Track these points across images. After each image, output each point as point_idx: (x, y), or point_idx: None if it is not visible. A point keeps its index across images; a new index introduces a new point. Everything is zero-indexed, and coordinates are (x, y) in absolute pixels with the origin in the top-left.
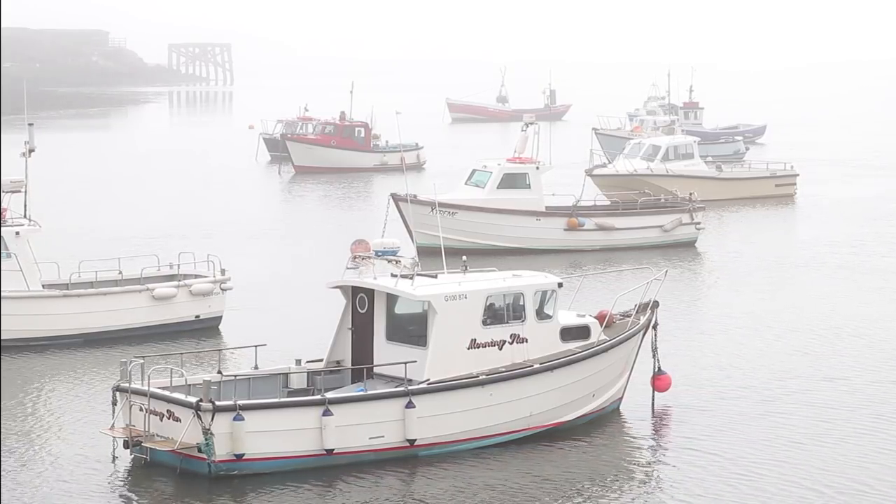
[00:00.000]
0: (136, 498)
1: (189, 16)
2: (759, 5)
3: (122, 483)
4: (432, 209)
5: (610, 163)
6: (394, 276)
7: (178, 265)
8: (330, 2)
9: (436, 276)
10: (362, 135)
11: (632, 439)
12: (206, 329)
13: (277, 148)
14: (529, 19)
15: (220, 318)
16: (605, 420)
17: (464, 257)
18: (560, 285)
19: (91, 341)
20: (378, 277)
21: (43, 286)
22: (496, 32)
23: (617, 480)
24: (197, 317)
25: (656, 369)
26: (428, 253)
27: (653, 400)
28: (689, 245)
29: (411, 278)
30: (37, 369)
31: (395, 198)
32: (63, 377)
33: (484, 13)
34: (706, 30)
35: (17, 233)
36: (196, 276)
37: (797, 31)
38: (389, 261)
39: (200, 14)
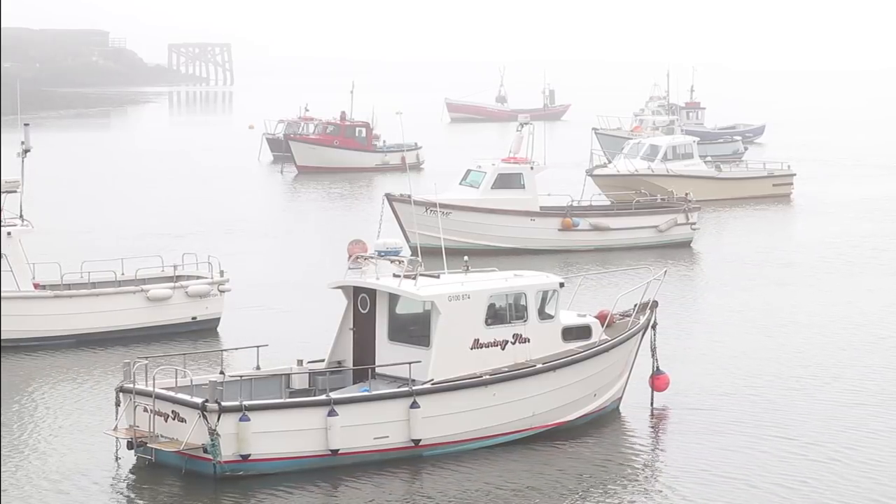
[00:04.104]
0: (141, 499)
1: (187, 17)
2: (761, 7)
3: (126, 484)
4: (426, 209)
5: (610, 162)
6: (396, 276)
7: (182, 266)
8: (328, 3)
9: (438, 277)
10: (363, 135)
11: (632, 439)
12: (202, 330)
13: (280, 148)
14: (529, 20)
15: (218, 319)
16: (605, 420)
17: (465, 257)
18: (562, 285)
19: (84, 342)
20: (380, 277)
21: (45, 286)
22: (496, 34)
23: (618, 480)
24: (194, 318)
25: (655, 369)
26: (421, 253)
27: (652, 399)
28: (684, 245)
29: (414, 278)
30: (33, 370)
31: (389, 198)
32: (61, 378)
33: (482, 14)
34: (707, 29)
35: (9, 233)
36: (196, 278)
37: (804, 37)
38: (392, 261)
39: (200, 15)
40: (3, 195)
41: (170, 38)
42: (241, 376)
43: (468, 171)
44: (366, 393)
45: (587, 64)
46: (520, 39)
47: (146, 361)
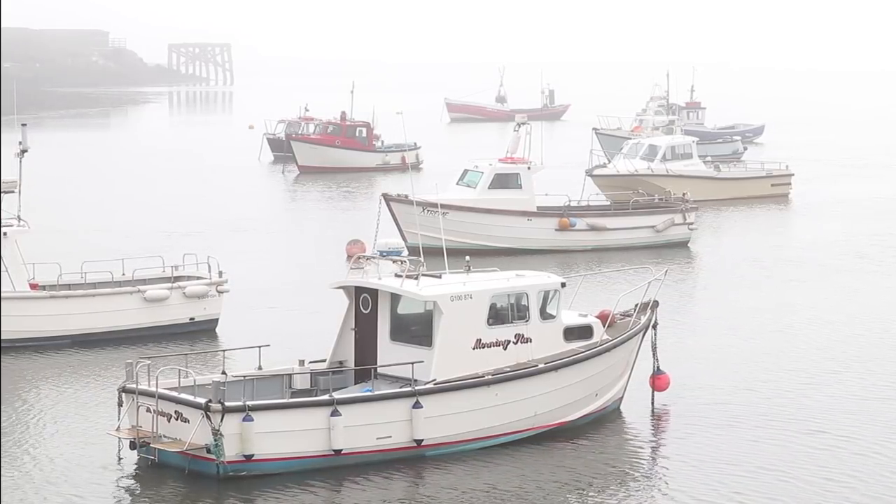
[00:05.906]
0: (143, 499)
1: (187, 17)
2: (761, 6)
3: (129, 484)
4: (423, 209)
5: (609, 162)
6: (398, 276)
7: (183, 266)
8: (328, 4)
9: (440, 277)
10: (364, 135)
11: (633, 439)
12: (200, 331)
13: (281, 148)
14: (529, 23)
15: (216, 320)
16: (606, 419)
17: (467, 257)
18: (563, 285)
19: (81, 343)
20: (382, 277)
21: (42, 286)
22: (496, 36)
23: (619, 479)
24: (191, 319)
25: (655, 369)
26: (418, 253)
27: (652, 399)
28: (681, 245)
29: (416, 278)
30: (32, 371)
31: (387, 198)
32: (60, 379)
33: (482, 17)
34: (707, 29)
35: (6, 234)
36: (195, 278)
37: (804, 36)
38: (394, 261)
39: (200, 15)
40: (1, 195)
41: (170, 38)
42: (243, 376)
43: (465, 171)
44: (369, 393)
45: (587, 66)
46: (520, 42)
47: (149, 361)
